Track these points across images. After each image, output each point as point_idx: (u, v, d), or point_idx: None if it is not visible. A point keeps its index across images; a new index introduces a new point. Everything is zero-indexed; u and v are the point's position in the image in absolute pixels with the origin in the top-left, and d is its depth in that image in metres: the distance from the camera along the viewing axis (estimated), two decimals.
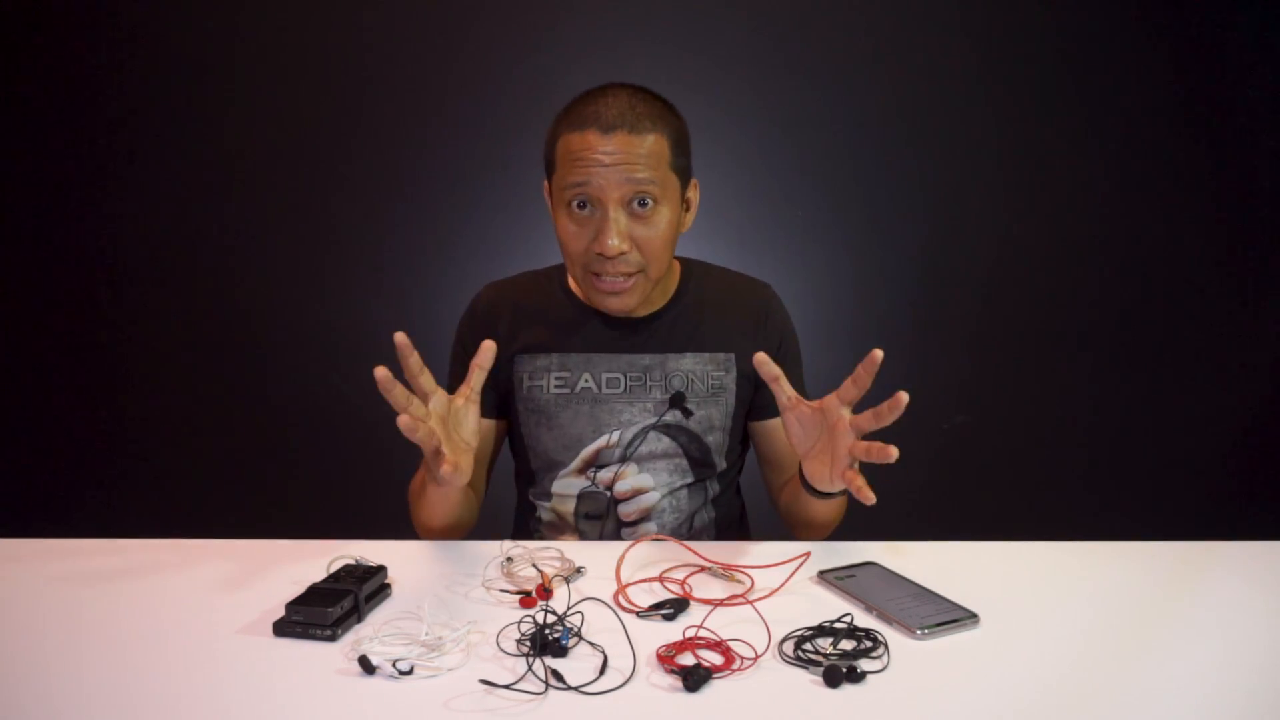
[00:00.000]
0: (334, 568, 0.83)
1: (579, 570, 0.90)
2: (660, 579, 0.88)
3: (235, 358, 2.23)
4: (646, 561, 0.93)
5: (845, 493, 1.00)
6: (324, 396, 2.23)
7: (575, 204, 1.02)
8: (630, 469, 1.12)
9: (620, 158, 0.98)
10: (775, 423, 1.18)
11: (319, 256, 2.21)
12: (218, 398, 2.24)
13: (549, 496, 1.15)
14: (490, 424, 1.20)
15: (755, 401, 1.19)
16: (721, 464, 1.16)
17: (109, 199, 2.20)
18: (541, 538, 1.18)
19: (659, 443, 1.12)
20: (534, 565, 0.89)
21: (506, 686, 0.65)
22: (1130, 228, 2.18)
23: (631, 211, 1.01)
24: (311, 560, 0.92)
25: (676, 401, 1.12)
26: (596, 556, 0.95)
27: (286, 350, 2.23)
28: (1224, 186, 2.16)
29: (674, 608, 0.79)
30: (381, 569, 0.84)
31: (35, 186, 2.20)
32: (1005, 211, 2.18)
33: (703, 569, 0.91)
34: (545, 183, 1.11)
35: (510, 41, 2.13)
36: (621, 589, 0.84)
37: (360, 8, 2.13)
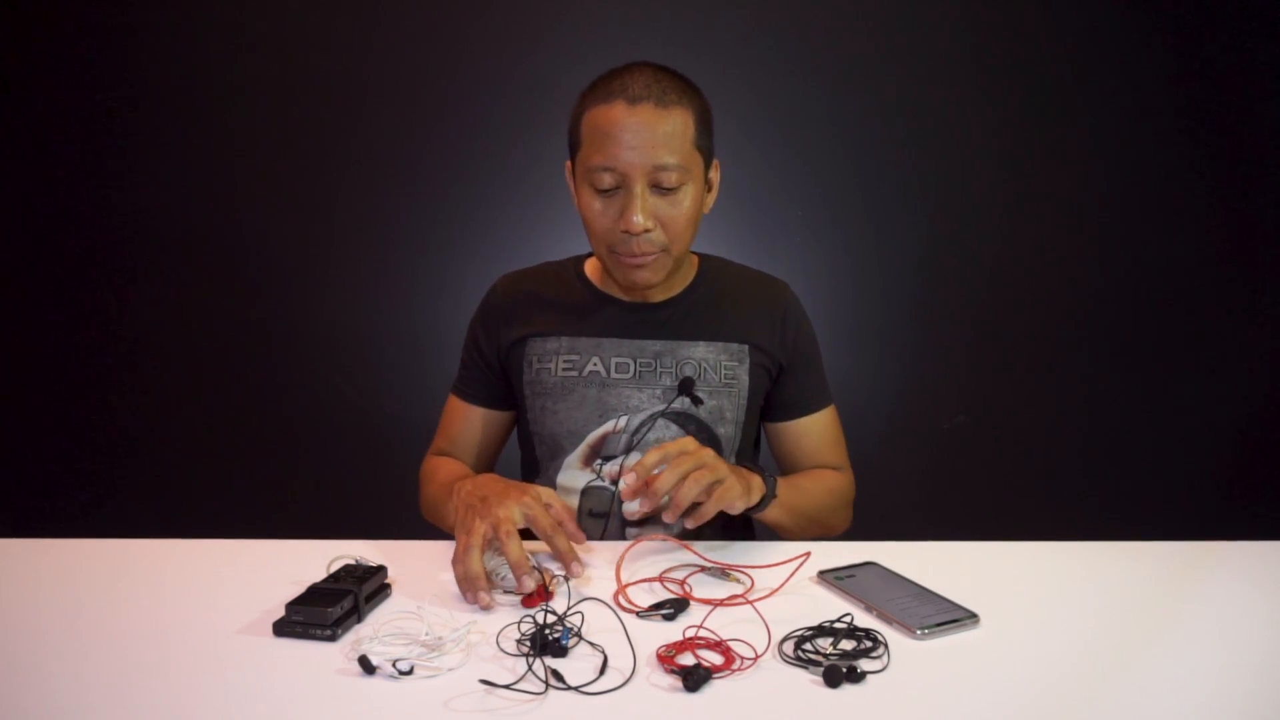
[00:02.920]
0: (334, 568, 0.83)
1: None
2: (660, 579, 0.88)
3: (235, 358, 2.23)
4: (646, 561, 0.93)
5: (766, 503, 0.98)
6: (325, 396, 2.23)
7: (603, 183, 1.01)
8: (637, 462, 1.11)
9: (646, 136, 0.98)
10: (790, 424, 1.18)
11: (320, 256, 2.21)
12: (218, 398, 2.24)
13: (554, 489, 1.14)
14: (497, 415, 1.22)
15: (771, 400, 1.18)
16: (730, 460, 1.14)
17: (111, 199, 2.20)
18: None
19: (667, 431, 1.10)
20: (536, 566, 0.89)
21: (506, 686, 0.65)
22: (1130, 228, 2.18)
23: (657, 189, 1.01)
24: (311, 560, 0.92)
25: (685, 388, 1.10)
26: (597, 556, 0.95)
27: (287, 350, 2.23)
28: (1224, 186, 2.16)
29: (674, 608, 0.79)
30: (381, 569, 0.84)
31: (38, 186, 2.20)
32: (1005, 211, 2.18)
33: (702, 569, 0.91)
34: (568, 162, 1.10)
35: (510, 41, 2.13)
36: (621, 589, 0.84)
37: (361, 8, 2.13)
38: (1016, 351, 2.21)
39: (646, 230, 1.01)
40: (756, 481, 0.96)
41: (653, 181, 1.00)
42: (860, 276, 2.20)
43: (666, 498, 0.86)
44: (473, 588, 0.81)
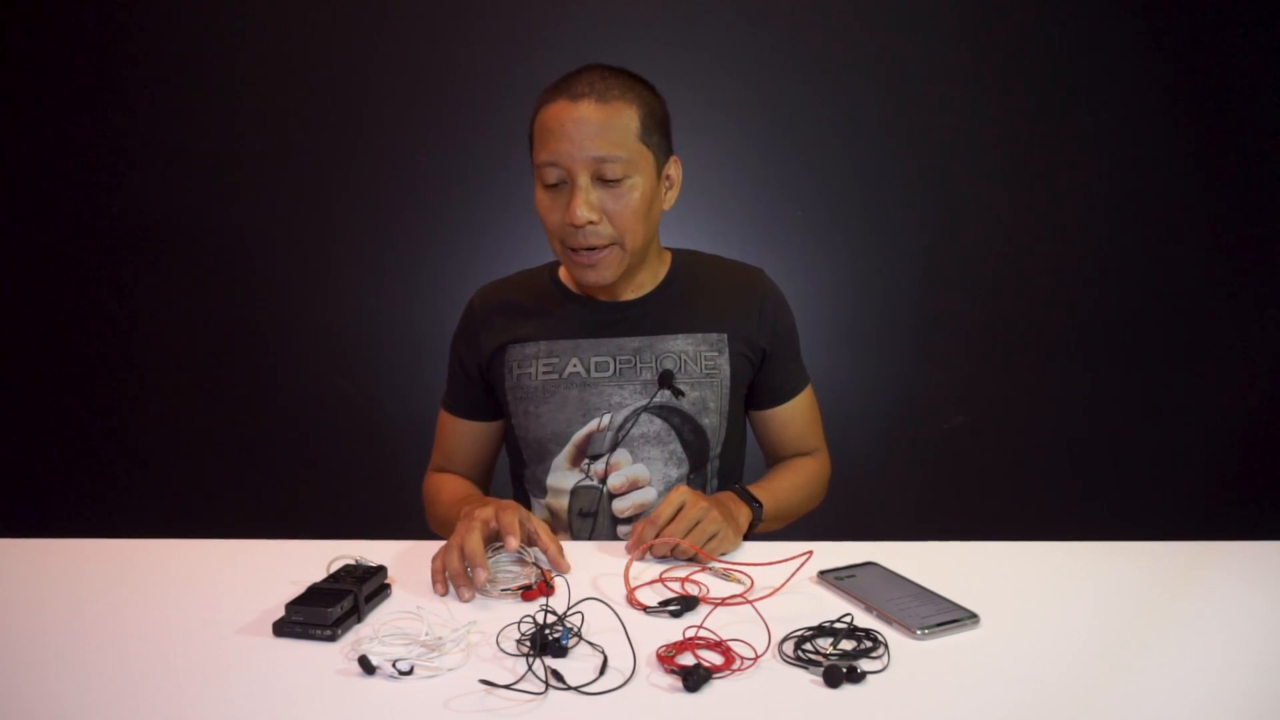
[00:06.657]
0: (334, 568, 0.83)
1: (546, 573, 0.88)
2: (661, 579, 0.88)
3: (236, 358, 2.23)
4: (647, 561, 0.93)
5: (753, 527, 1.04)
6: (325, 396, 2.23)
7: (549, 179, 1.03)
8: (624, 459, 1.11)
9: (586, 129, 1.00)
10: (774, 412, 1.19)
11: (321, 256, 2.21)
12: (218, 398, 2.24)
13: (544, 491, 1.15)
14: (486, 426, 1.22)
15: (755, 387, 1.18)
16: (717, 450, 1.15)
17: (111, 200, 2.20)
18: None
19: (651, 425, 1.11)
20: (535, 564, 0.89)
21: (506, 686, 0.65)
22: (1130, 228, 2.18)
23: (602, 183, 1.02)
24: (311, 560, 0.92)
25: (665, 380, 1.11)
26: (596, 556, 0.95)
27: (288, 350, 2.23)
28: (1224, 187, 2.16)
29: (681, 604, 0.79)
30: (381, 569, 0.84)
31: (41, 187, 2.20)
32: (1005, 211, 2.18)
33: (704, 569, 0.91)
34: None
35: (510, 41, 2.13)
36: (631, 593, 0.84)
37: (362, 10, 2.13)
38: (1016, 352, 2.21)
39: (591, 222, 1.02)
40: (744, 512, 1.00)
41: (596, 174, 1.02)
42: (860, 276, 2.20)
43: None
44: (458, 582, 0.84)
